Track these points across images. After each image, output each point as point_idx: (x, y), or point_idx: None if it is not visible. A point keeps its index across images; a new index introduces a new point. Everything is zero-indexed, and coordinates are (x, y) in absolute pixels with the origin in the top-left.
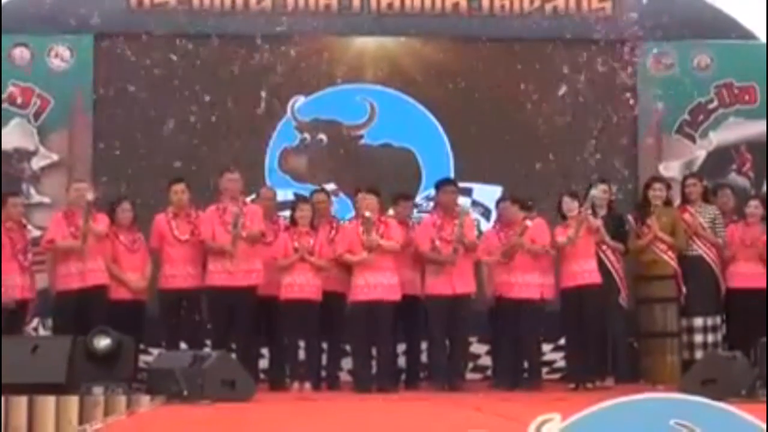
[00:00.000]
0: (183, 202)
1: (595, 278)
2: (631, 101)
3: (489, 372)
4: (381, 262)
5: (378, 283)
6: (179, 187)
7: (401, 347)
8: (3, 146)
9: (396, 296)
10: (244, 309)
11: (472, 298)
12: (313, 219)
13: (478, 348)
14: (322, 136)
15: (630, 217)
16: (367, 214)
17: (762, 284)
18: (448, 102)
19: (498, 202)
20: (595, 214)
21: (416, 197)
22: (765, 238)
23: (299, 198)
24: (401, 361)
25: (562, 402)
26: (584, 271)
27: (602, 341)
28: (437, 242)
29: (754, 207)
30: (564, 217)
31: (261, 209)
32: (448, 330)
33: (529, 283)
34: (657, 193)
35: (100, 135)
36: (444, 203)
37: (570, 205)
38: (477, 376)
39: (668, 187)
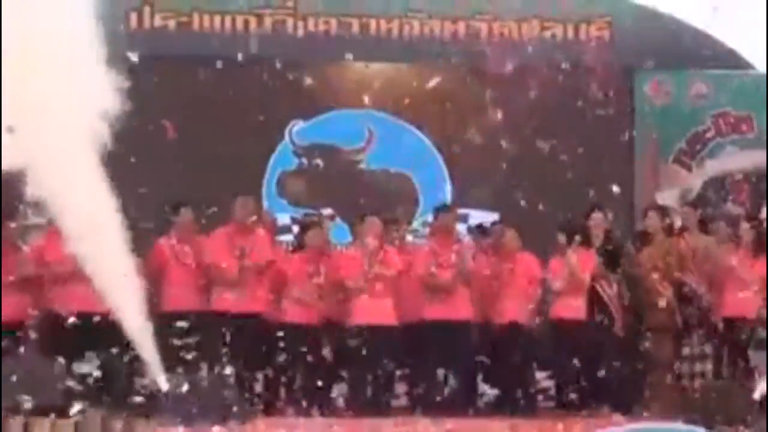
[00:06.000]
0: (187, 226)
1: (582, 314)
2: (628, 129)
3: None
4: (379, 288)
5: (375, 308)
6: (183, 210)
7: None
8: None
9: (392, 320)
10: (246, 334)
11: (470, 323)
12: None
13: None
14: (320, 161)
15: (624, 246)
16: (368, 240)
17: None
18: (446, 128)
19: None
20: (590, 242)
21: (413, 222)
22: (757, 265)
23: (310, 222)
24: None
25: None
26: (574, 306)
27: (596, 370)
28: (434, 268)
29: (745, 231)
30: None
31: (269, 236)
32: (449, 356)
33: (518, 309)
34: (651, 221)
35: None
36: (441, 229)
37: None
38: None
39: (663, 215)
